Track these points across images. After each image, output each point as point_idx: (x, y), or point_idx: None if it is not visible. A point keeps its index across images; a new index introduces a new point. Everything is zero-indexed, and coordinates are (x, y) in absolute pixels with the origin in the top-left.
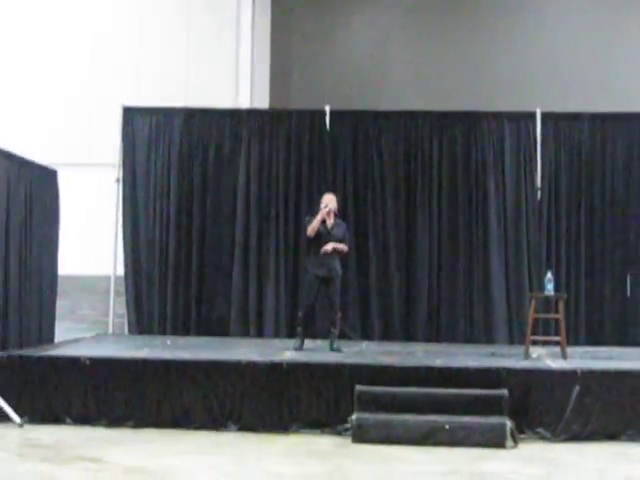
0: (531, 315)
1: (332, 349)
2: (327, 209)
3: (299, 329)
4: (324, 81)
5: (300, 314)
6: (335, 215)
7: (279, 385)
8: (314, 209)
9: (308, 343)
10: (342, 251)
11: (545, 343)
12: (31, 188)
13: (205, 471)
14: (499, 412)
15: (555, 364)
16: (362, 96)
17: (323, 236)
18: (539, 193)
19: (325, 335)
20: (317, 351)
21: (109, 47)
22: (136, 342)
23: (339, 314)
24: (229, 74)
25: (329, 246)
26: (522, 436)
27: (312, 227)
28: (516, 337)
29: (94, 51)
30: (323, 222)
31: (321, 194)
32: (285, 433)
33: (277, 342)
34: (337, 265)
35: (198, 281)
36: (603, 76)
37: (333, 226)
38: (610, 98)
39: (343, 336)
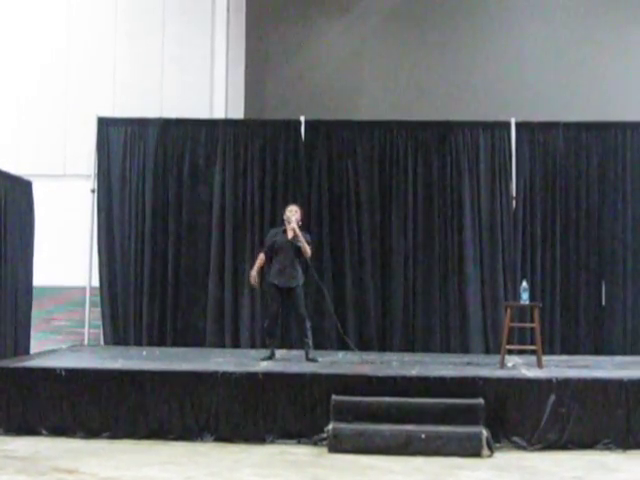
0: (507, 324)
1: (308, 359)
2: (291, 230)
3: (266, 340)
4: (299, 91)
5: (265, 325)
6: (299, 226)
7: (255, 395)
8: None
9: (284, 353)
10: (303, 247)
11: (521, 352)
12: (5, 199)
13: None
14: (475, 421)
15: (531, 373)
16: (337, 106)
17: (284, 248)
18: (514, 202)
19: (301, 345)
20: (293, 361)
21: (84, 57)
22: (112, 353)
23: (309, 323)
24: (204, 84)
25: (293, 224)
26: (498, 445)
27: (252, 275)
28: (492, 346)
29: (68, 61)
30: (284, 232)
31: (297, 204)
32: (261, 443)
33: (253, 352)
34: (297, 274)
35: (174, 291)
36: (577, 85)
37: (294, 237)
38: (584, 107)
39: (318, 346)
